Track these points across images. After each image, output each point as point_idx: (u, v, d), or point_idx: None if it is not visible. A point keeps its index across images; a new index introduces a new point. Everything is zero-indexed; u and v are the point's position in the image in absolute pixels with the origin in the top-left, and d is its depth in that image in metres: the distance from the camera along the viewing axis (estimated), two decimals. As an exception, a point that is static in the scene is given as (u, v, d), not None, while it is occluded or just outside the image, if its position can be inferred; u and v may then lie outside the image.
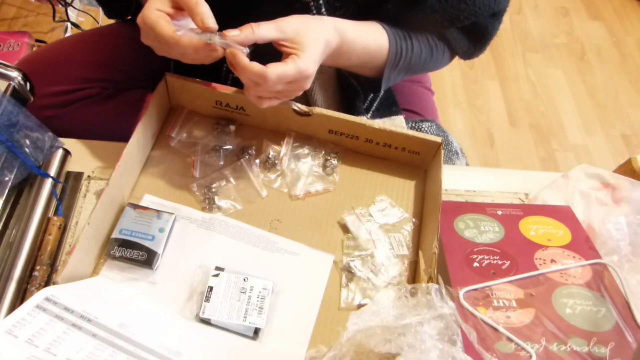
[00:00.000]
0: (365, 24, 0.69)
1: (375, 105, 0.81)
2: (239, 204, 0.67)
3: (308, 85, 0.61)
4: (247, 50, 0.58)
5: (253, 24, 0.58)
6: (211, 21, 0.55)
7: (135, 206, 0.63)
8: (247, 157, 0.71)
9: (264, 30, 0.58)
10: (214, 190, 0.68)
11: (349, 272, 0.63)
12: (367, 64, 0.71)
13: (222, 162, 0.70)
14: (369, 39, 0.68)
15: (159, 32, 0.55)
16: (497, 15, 0.72)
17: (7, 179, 0.62)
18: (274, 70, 0.56)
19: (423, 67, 0.76)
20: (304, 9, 0.67)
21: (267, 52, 0.60)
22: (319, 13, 0.68)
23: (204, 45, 0.56)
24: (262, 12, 0.72)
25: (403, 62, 0.72)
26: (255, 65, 0.57)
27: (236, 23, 0.75)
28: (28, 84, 0.66)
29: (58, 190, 0.66)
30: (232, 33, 0.57)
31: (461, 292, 0.58)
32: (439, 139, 0.68)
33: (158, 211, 0.63)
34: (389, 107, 0.82)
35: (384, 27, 0.70)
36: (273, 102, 0.63)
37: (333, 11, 0.68)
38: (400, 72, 0.74)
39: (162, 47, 0.58)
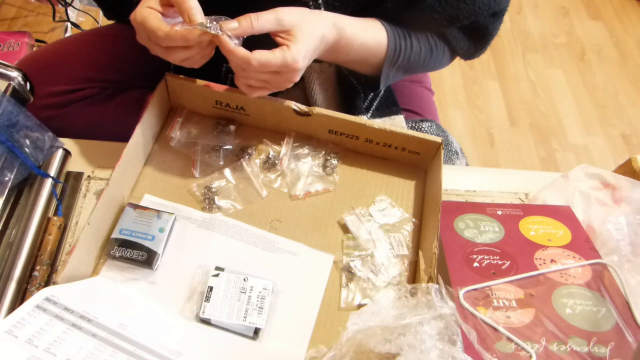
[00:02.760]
0: (365, 21, 0.69)
1: (375, 104, 0.81)
2: (239, 204, 0.67)
3: (297, 79, 0.61)
4: (238, 40, 0.57)
5: (252, 16, 0.58)
6: (199, 16, 0.55)
7: (135, 206, 0.63)
8: (247, 157, 0.71)
9: (263, 23, 0.58)
10: (214, 190, 0.68)
11: (349, 272, 0.63)
12: (366, 60, 0.71)
13: (222, 162, 0.70)
14: (367, 35, 0.68)
15: (149, 27, 0.55)
16: (497, 15, 0.72)
17: (7, 179, 0.62)
18: (258, 56, 0.56)
19: (423, 66, 0.76)
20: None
21: (267, 43, 0.60)
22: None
23: (195, 37, 0.55)
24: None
25: (402, 60, 0.72)
26: (241, 50, 0.57)
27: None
28: (28, 84, 0.66)
29: (58, 190, 0.66)
30: (231, 25, 0.57)
31: (461, 292, 0.58)
32: (439, 139, 0.68)
33: (158, 211, 0.63)
34: (389, 107, 0.82)
35: (383, 24, 0.70)
36: (263, 92, 0.63)
37: (332, 10, 0.68)
38: (399, 71, 0.74)
39: (153, 44, 0.57)
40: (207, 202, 0.66)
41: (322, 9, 0.67)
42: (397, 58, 0.71)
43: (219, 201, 0.67)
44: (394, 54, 0.70)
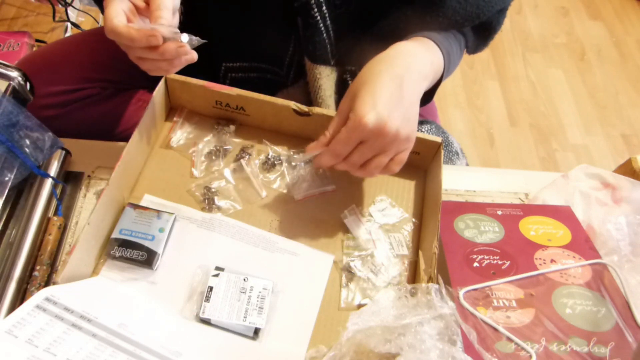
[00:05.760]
0: (427, 49, 0.64)
1: None
2: (238, 204, 0.67)
3: (387, 139, 0.55)
4: (187, 38, 0.55)
5: (325, 132, 0.58)
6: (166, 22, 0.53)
7: (135, 206, 0.63)
8: (247, 157, 0.71)
9: (334, 125, 0.58)
10: (214, 190, 0.68)
11: (349, 272, 0.63)
12: (430, 85, 0.67)
13: (222, 162, 0.70)
14: (436, 65, 0.64)
15: (105, 15, 0.52)
16: (502, 11, 0.72)
17: (7, 179, 0.62)
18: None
19: (457, 63, 0.73)
20: (304, 8, 0.67)
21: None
22: (320, 10, 0.67)
23: (141, 36, 0.52)
24: (260, 12, 0.72)
25: (451, 67, 0.70)
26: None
27: (233, 23, 0.74)
28: (28, 84, 0.66)
29: (58, 190, 0.66)
30: (311, 145, 0.59)
31: (461, 292, 0.58)
32: (438, 139, 0.68)
33: (158, 211, 0.63)
34: None
35: (434, 42, 0.66)
36: (372, 171, 0.59)
37: (333, 9, 0.68)
38: (446, 77, 0.71)
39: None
40: (207, 202, 0.66)
41: (324, 7, 0.67)
42: (449, 66, 0.68)
43: (218, 201, 0.67)
44: (448, 62, 0.68)
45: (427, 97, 0.69)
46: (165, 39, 0.54)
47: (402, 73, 0.57)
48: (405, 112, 0.56)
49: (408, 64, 0.58)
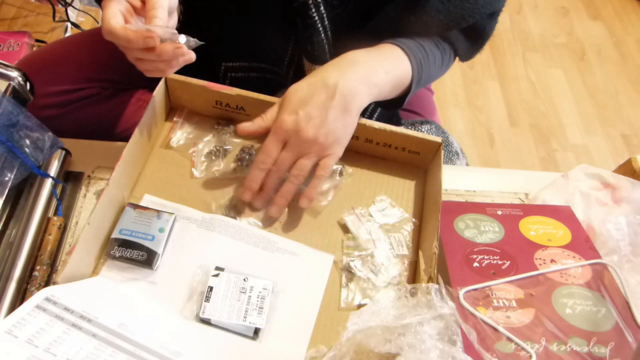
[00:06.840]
0: (385, 56, 0.66)
1: (375, 115, 0.81)
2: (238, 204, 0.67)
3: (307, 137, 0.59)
4: (185, 39, 0.55)
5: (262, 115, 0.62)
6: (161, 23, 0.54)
7: (135, 206, 0.63)
8: (247, 157, 0.71)
9: (271, 113, 0.61)
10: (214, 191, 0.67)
11: (349, 272, 0.63)
12: (396, 90, 0.69)
13: (222, 162, 0.70)
14: (395, 73, 0.66)
15: (103, 17, 0.54)
16: (493, 15, 0.72)
17: (7, 179, 0.62)
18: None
19: (437, 74, 0.75)
20: (302, 8, 0.67)
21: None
22: (317, 10, 0.67)
23: (137, 37, 0.53)
24: (260, 12, 0.72)
25: (424, 74, 0.70)
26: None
27: (233, 22, 0.75)
28: (28, 84, 0.66)
29: (58, 190, 0.66)
30: (244, 124, 0.62)
31: (461, 292, 0.58)
32: (439, 139, 0.68)
33: (158, 211, 0.63)
34: (390, 118, 0.82)
35: (402, 48, 0.67)
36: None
37: (331, 9, 0.68)
38: (418, 85, 0.72)
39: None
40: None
41: (322, 7, 0.67)
42: (420, 77, 0.69)
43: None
44: (419, 71, 0.69)
45: (399, 102, 0.71)
46: (162, 40, 0.54)
47: (337, 81, 0.60)
48: (331, 118, 0.60)
49: (344, 71, 0.61)
